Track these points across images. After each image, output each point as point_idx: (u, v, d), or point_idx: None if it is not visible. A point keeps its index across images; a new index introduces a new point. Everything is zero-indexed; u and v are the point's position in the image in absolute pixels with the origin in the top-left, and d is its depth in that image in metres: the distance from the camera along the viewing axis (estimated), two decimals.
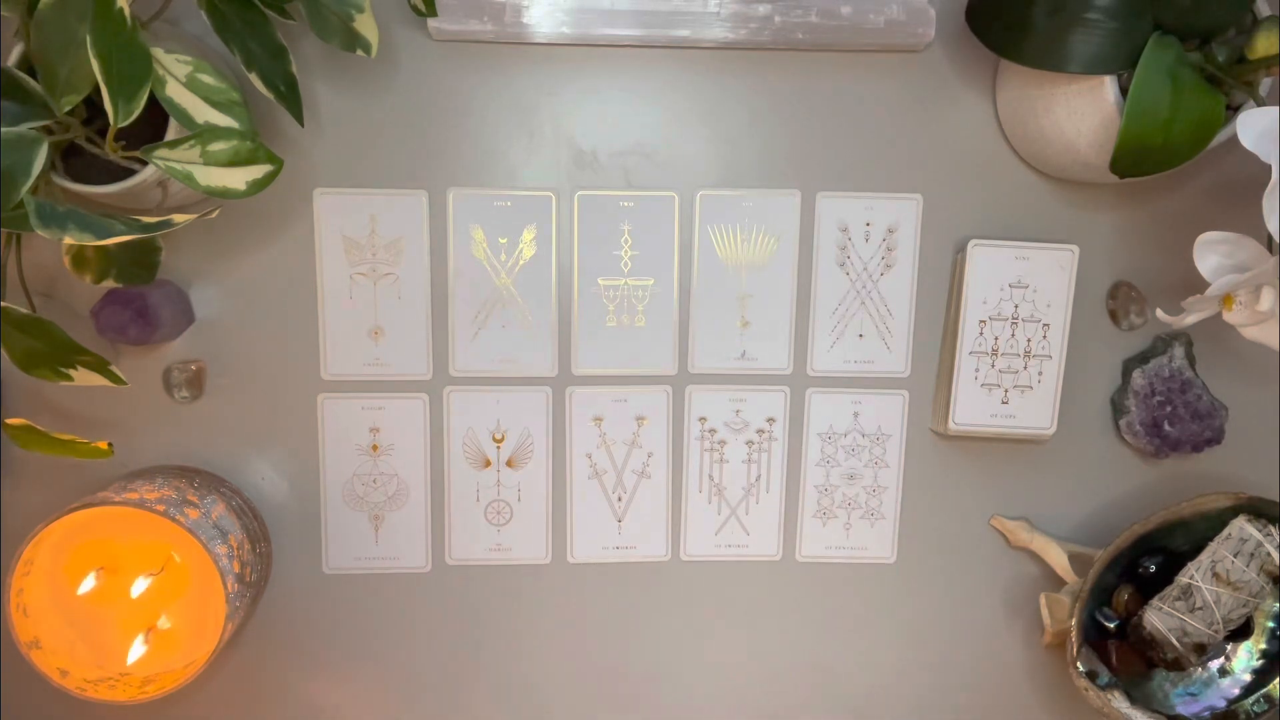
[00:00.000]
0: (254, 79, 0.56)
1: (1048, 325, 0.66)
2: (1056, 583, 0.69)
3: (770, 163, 0.68)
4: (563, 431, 0.69)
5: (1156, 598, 0.63)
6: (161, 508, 0.57)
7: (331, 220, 0.66)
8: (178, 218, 0.51)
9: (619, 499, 0.70)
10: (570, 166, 0.67)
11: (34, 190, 0.49)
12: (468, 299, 0.67)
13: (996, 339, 0.66)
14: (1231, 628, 0.63)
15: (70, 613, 0.61)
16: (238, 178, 0.53)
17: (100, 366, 0.54)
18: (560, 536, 0.70)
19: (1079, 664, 0.63)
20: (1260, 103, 0.56)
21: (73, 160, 0.56)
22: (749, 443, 0.70)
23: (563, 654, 0.71)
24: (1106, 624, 0.65)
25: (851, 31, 0.65)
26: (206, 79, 0.53)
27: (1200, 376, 0.68)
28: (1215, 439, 0.68)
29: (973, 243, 0.66)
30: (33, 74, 0.51)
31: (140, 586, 0.61)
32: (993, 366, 0.67)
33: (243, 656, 0.69)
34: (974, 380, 0.67)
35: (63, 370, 0.54)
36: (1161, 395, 0.68)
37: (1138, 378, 0.68)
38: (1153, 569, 0.65)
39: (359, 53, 0.57)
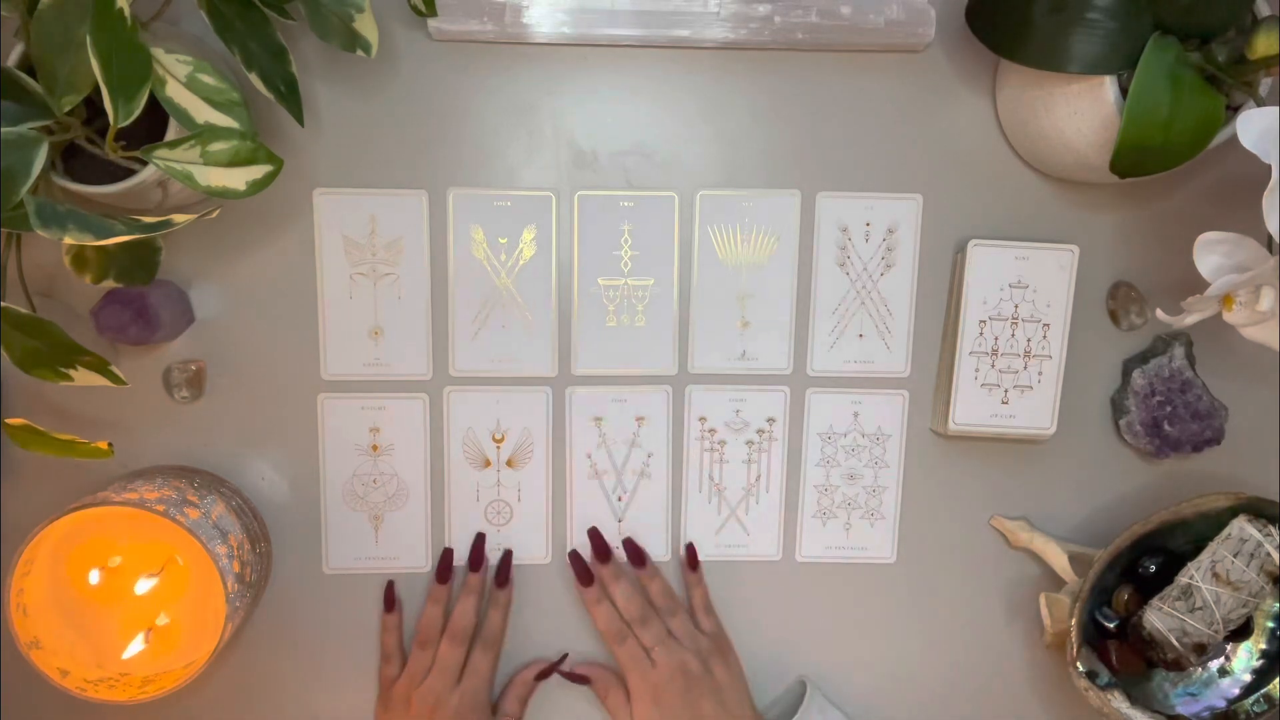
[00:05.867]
0: (254, 79, 0.56)
1: (1048, 325, 0.66)
2: (1056, 583, 0.69)
3: (770, 163, 0.68)
4: (563, 431, 0.69)
5: (1156, 598, 0.63)
6: (161, 508, 0.57)
7: (331, 220, 0.66)
8: (178, 218, 0.51)
9: (619, 499, 0.70)
10: (570, 166, 0.67)
11: (34, 190, 0.49)
12: (468, 299, 0.67)
13: (996, 339, 0.66)
14: (1231, 628, 0.63)
15: (70, 613, 0.61)
16: (238, 178, 0.53)
17: (100, 366, 0.54)
18: (560, 536, 0.70)
19: (1079, 664, 0.63)
20: (1260, 103, 0.56)
21: (73, 160, 0.56)
22: (749, 443, 0.70)
23: (561, 652, 0.70)
24: (1106, 624, 0.65)
25: (851, 31, 0.65)
26: (206, 79, 0.53)
27: (1200, 376, 0.68)
28: (1215, 439, 0.68)
29: (973, 243, 0.66)
30: (33, 74, 0.51)
31: (145, 586, 0.61)
32: (993, 366, 0.67)
33: (243, 656, 0.69)
34: (974, 380, 0.67)
35: (63, 370, 0.54)
36: (1161, 395, 0.68)
37: (1138, 378, 0.68)
38: (1153, 569, 0.65)
39: (359, 53, 0.57)
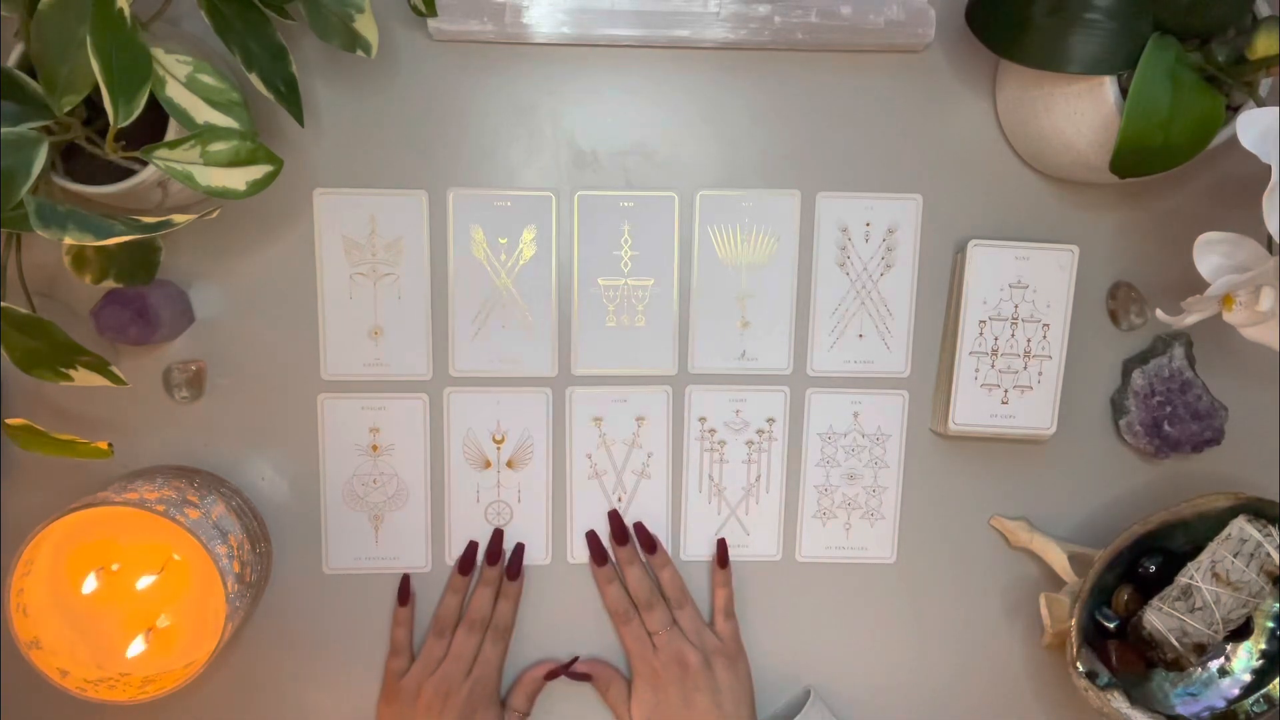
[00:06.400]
0: (254, 79, 0.56)
1: (1048, 325, 0.66)
2: (1056, 583, 0.69)
3: (770, 163, 0.68)
4: (563, 432, 0.69)
5: (1156, 598, 0.63)
6: (161, 508, 0.57)
7: (331, 220, 0.66)
8: (178, 218, 0.51)
9: (619, 499, 0.70)
10: (570, 166, 0.67)
11: (34, 190, 0.49)
12: (468, 299, 0.67)
13: (996, 339, 0.66)
14: (1231, 628, 0.63)
15: (70, 613, 0.61)
16: (238, 178, 0.53)
17: (100, 366, 0.54)
18: (560, 537, 0.70)
19: (1079, 664, 0.63)
20: (1260, 103, 0.56)
21: (73, 160, 0.56)
22: (749, 443, 0.70)
23: (562, 653, 0.70)
24: (1106, 624, 0.65)
25: (851, 31, 0.65)
26: (206, 79, 0.53)
27: (1200, 376, 0.68)
28: (1215, 439, 0.68)
29: (973, 243, 0.66)
30: (33, 74, 0.51)
31: (145, 582, 0.61)
32: (993, 366, 0.67)
33: (243, 656, 0.69)
34: (974, 380, 0.67)
35: (63, 370, 0.54)
36: (1161, 395, 0.68)
37: (1138, 378, 0.68)
38: (1153, 569, 0.65)
39: (359, 53, 0.57)
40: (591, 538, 0.69)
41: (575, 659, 0.69)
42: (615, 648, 0.70)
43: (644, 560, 0.69)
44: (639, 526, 0.70)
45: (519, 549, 0.69)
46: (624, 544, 0.69)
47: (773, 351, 0.69)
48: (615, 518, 0.69)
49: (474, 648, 0.67)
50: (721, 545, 0.70)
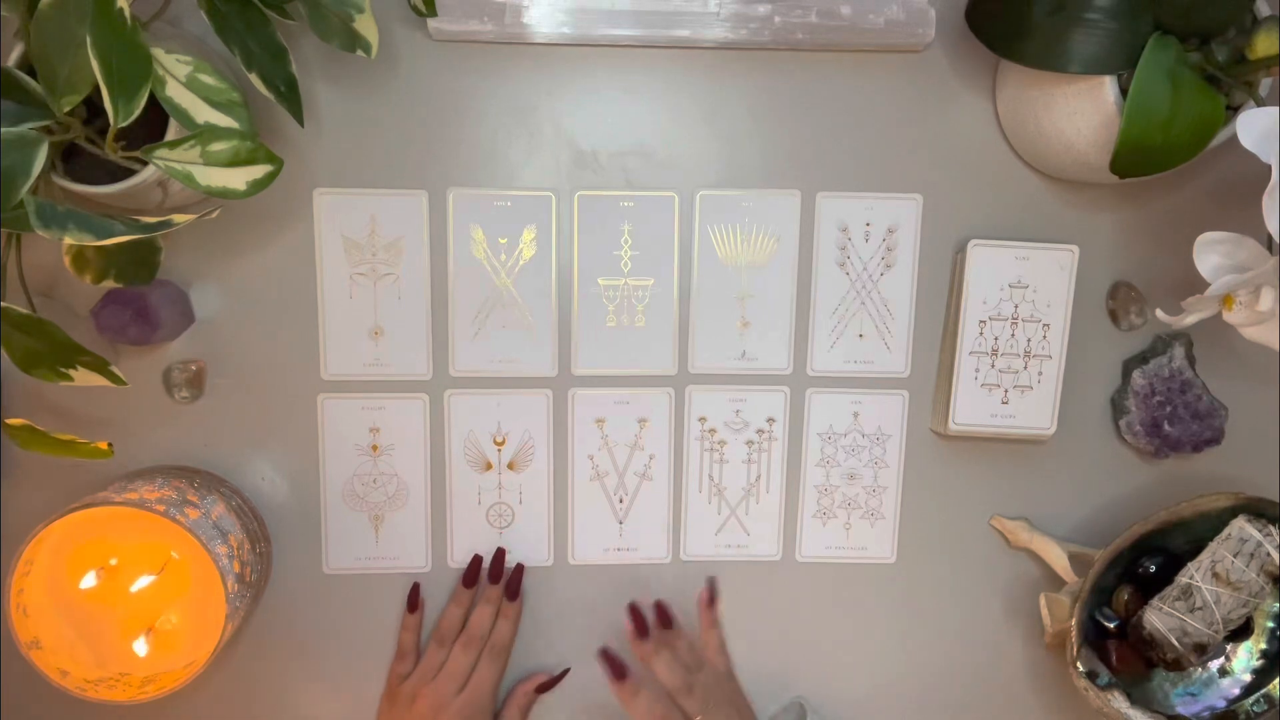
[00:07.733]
0: (254, 79, 0.56)
1: (1048, 325, 0.66)
2: (1056, 583, 0.69)
3: (770, 163, 0.68)
4: (564, 433, 0.69)
5: (1156, 598, 0.63)
6: (161, 508, 0.57)
7: (331, 220, 0.66)
8: (178, 218, 0.51)
9: (620, 500, 0.70)
10: (570, 166, 0.67)
11: (34, 190, 0.49)
12: (468, 299, 0.67)
13: (996, 339, 0.66)
14: (1231, 628, 0.63)
15: (70, 613, 0.61)
16: (238, 178, 0.53)
17: (100, 366, 0.54)
18: (562, 539, 0.70)
19: (1079, 664, 0.63)
20: (1260, 103, 0.56)
21: (73, 160, 0.56)
22: (749, 443, 0.70)
23: (564, 655, 0.70)
24: (1106, 624, 0.65)
25: (851, 31, 0.65)
26: (206, 79, 0.53)
27: (1200, 376, 0.68)
28: (1215, 439, 0.68)
29: (973, 243, 0.66)
30: (33, 74, 0.51)
31: (141, 583, 0.61)
32: (993, 366, 0.67)
33: (243, 656, 0.69)
34: (974, 380, 0.67)
35: (63, 370, 0.54)
36: (1161, 395, 0.68)
37: (1138, 378, 0.68)
38: (1153, 569, 0.65)
39: (359, 53, 0.57)
40: (605, 655, 0.61)
41: (566, 671, 0.69)
42: (616, 646, 0.70)
43: (661, 635, 0.63)
44: (658, 606, 0.64)
45: (518, 570, 0.69)
46: (646, 637, 0.62)
47: (773, 351, 0.69)
48: (636, 611, 0.63)
49: (469, 665, 0.66)
50: (711, 586, 0.65)
